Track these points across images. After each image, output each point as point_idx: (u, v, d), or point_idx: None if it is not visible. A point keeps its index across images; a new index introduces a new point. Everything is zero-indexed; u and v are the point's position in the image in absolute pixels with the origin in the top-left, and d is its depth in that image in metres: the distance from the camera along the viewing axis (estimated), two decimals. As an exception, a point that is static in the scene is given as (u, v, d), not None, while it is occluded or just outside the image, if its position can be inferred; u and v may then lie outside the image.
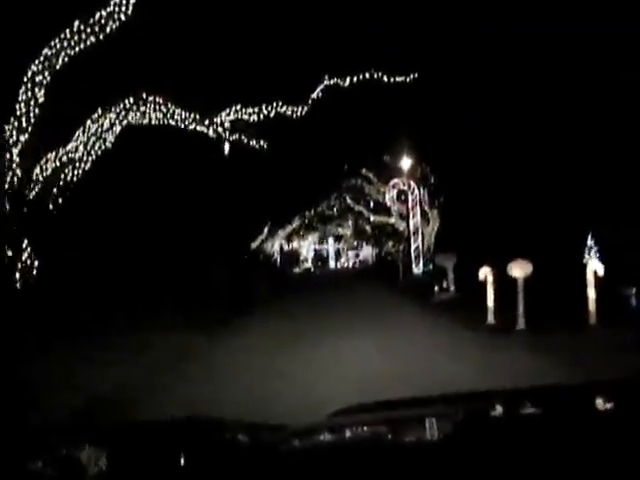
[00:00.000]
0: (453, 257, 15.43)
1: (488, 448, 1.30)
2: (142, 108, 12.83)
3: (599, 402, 1.87)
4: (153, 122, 13.00)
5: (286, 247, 53.53)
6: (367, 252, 61.75)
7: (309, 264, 62.12)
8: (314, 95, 14.18)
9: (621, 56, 23.48)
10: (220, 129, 13.57)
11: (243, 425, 1.95)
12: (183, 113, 13.17)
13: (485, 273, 10.23)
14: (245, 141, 15.03)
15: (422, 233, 27.09)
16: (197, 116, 13.30)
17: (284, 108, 14.12)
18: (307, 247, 66.01)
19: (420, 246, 25.75)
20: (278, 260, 44.53)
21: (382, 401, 2.13)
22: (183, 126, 13.21)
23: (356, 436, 1.71)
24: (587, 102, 25.17)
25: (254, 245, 40.82)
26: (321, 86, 14.09)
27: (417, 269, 25.34)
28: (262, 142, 15.37)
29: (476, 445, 1.35)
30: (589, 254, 31.65)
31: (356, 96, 15.99)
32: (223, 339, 10.55)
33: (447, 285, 15.59)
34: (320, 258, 67.25)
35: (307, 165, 25.70)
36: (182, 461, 1.49)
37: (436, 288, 15.74)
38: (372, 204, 40.96)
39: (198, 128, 13.38)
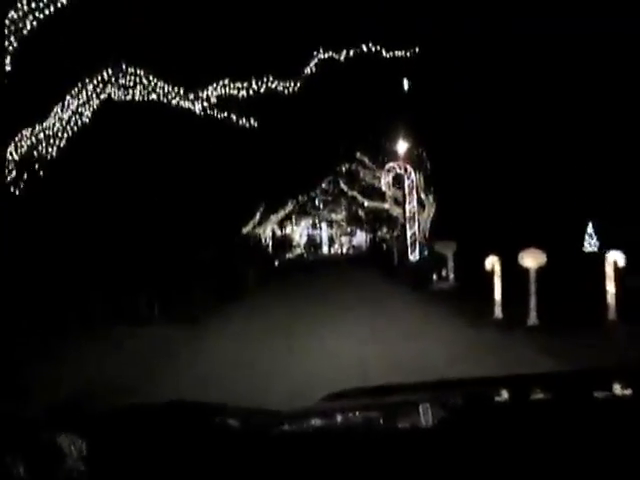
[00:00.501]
0: (453, 245, 14.60)
1: (481, 434, 1.29)
2: (121, 80, 11.86)
3: (590, 390, 1.83)
4: (134, 96, 12.06)
5: (279, 232, 52.61)
6: (361, 238, 61.05)
7: (302, 249, 61.26)
8: (307, 70, 13.24)
9: (624, 51, 22.71)
10: (206, 104, 12.62)
11: (235, 409, 1.88)
12: (166, 87, 12.20)
13: (492, 263, 9.40)
14: (235, 119, 14.15)
15: (418, 219, 26.24)
16: (181, 90, 12.35)
17: (275, 83, 13.19)
18: (300, 232, 65.12)
19: (416, 232, 24.90)
20: (270, 245, 43.59)
21: (373, 386, 2.11)
22: (166, 101, 12.24)
23: (349, 420, 1.71)
24: (592, 89, 24.38)
25: (246, 230, 39.91)
26: (315, 60, 13.14)
27: (413, 256, 24.50)
28: (253, 120, 14.47)
29: (469, 431, 1.35)
30: (590, 242, 31.10)
31: (352, 73, 15.06)
32: (210, 328, 9.72)
33: (446, 273, 14.78)
34: (313, 244, 66.44)
35: (301, 147, 24.77)
36: (175, 445, 1.41)
37: (435, 276, 14.92)
38: (366, 189, 40.17)
39: (182, 103, 12.43)
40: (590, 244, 31.17)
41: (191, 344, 8.69)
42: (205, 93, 12.62)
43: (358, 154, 35.29)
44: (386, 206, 37.62)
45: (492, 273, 9.44)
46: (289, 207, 46.55)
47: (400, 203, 34.83)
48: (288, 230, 60.54)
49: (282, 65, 13.27)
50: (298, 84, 13.29)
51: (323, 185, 47.03)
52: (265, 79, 13.12)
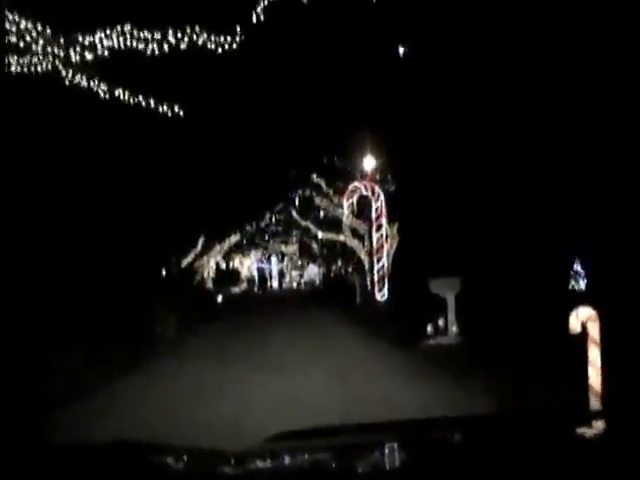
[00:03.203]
0: (455, 283, 10.30)
1: (426, 476, 1.31)
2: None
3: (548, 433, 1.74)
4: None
5: (223, 265, 47.74)
6: (313, 272, 56.84)
7: (249, 284, 56.37)
8: (252, 18, 8.87)
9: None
10: (91, 56, 8.07)
11: (181, 449, 1.78)
12: (23, 23, 7.64)
13: (584, 319, 5.06)
14: (150, 102, 9.75)
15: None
16: (48, 31, 7.79)
17: (203, 37, 8.79)
18: (248, 265, 60.36)
19: (385, 265, 20.61)
20: (213, 279, 38.51)
21: (318, 427, 2.08)
22: (23, 44, 7.65)
23: (294, 462, 1.68)
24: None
25: (186, 262, 35.02)
26: (263, 2, 8.78)
27: (380, 295, 20.18)
28: (176, 106, 10.07)
29: (415, 474, 1.37)
30: (576, 280, 27.51)
31: (317, 27, 10.87)
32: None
33: (445, 324, 10.42)
34: (261, 278, 61.67)
35: (245, 152, 20.42)
36: None
37: (429, 328, 10.51)
38: (321, 219, 36.15)
39: (51, 50, 7.84)
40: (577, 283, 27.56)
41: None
42: (88, 40, 8.10)
43: (314, 176, 31.08)
44: (342, 238, 33.85)
45: (583, 338, 5.08)
46: (235, 237, 42.06)
47: (359, 234, 31.11)
48: (236, 263, 55.73)
49: (214, 10, 8.91)
50: (238, 39, 8.91)
51: (273, 214, 42.94)
52: (188, 30, 8.75)
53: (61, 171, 9.96)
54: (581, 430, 1.77)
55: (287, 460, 1.68)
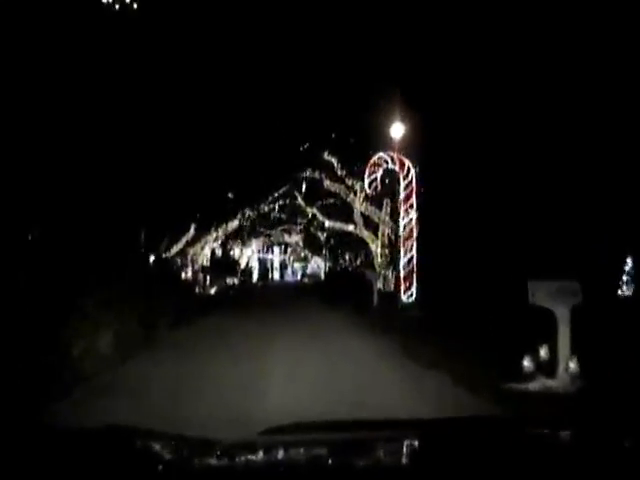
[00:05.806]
0: (575, 289, 6.20)
1: (421, 475, 1.28)
2: None
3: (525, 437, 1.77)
4: None
5: (220, 253, 43.66)
6: (318, 265, 52.98)
7: (249, 276, 52.39)
8: None
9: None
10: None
11: (170, 437, 1.76)
12: None
13: None
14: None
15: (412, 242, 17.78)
16: None
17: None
18: (247, 255, 56.36)
19: (414, 258, 16.44)
20: (201, 271, 34.20)
21: (312, 422, 2.14)
22: None
23: (284, 456, 1.66)
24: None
25: (176, 249, 31.02)
26: None
27: (407, 296, 16.07)
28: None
29: (409, 472, 1.35)
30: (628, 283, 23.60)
31: None
32: None
33: (549, 354, 6.34)
34: (262, 269, 57.72)
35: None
36: (104, 474, 1.33)
37: (526, 362, 6.39)
38: (330, 204, 32.26)
39: None
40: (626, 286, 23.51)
41: None
42: None
43: (326, 154, 26.86)
44: (351, 228, 30.09)
45: None
46: (234, 223, 37.95)
47: (372, 224, 27.33)
48: (235, 252, 51.71)
49: None
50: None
51: (276, 199, 38.78)
52: None
53: None
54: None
55: (278, 454, 1.65)
